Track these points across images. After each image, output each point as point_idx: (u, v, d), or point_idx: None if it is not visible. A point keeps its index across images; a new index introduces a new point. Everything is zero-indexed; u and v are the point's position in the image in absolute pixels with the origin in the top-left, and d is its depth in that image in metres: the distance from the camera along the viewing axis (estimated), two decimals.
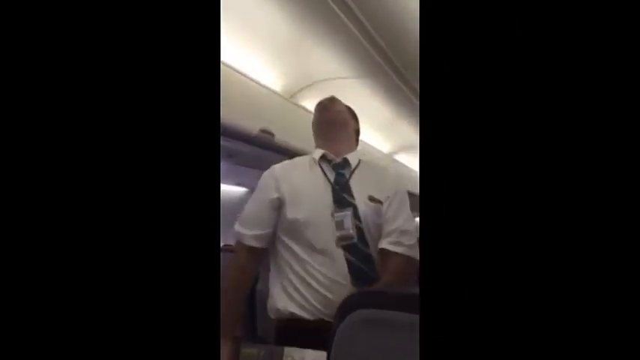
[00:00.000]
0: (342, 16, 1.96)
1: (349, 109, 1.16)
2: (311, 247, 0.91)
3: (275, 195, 0.98)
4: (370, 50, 2.41)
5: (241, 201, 2.94)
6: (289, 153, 2.16)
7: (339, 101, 1.14)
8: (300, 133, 2.45)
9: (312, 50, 2.40)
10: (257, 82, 2.33)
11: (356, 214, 0.92)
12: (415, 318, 0.52)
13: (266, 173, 1.04)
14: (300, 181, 0.99)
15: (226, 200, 2.70)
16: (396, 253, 0.92)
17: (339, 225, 0.90)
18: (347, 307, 0.55)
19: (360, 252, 0.91)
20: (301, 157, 1.09)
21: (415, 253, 0.93)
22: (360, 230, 0.92)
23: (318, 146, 1.11)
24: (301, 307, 0.91)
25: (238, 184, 2.90)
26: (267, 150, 2.09)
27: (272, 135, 2.03)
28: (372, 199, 0.97)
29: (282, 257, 0.96)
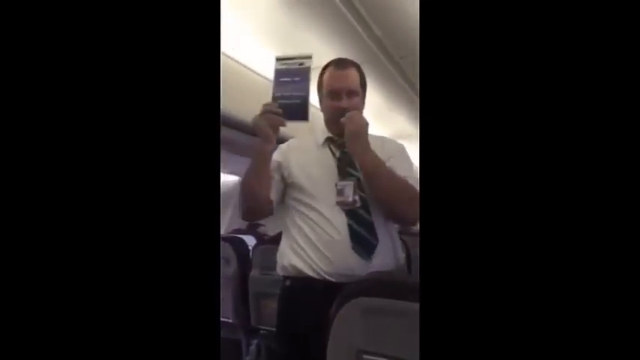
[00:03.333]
0: (338, 3, 1.93)
1: (360, 72, 1.09)
2: (316, 211, 0.99)
3: (280, 174, 1.04)
4: (365, 38, 2.39)
5: (235, 189, 2.93)
6: (280, 141, 2.14)
7: (354, 63, 1.08)
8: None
9: (307, 38, 2.36)
10: (252, 70, 2.29)
11: (359, 186, 0.98)
12: (413, 306, 0.52)
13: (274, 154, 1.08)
14: (307, 160, 1.05)
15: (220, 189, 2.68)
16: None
17: (340, 192, 0.98)
18: (345, 295, 0.56)
19: (361, 218, 0.97)
20: (307, 136, 1.11)
21: (415, 185, 0.98)
22: (363, 199, 0.98)
23: (323, 108, 1.09)
24: (305, 263, 0.97)
25: (232, 172, 2.88)
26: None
27: None
28: None
29: (291, 218, 1.04)
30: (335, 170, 1.02)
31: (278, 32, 2.30)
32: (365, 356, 0.53)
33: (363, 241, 0.95)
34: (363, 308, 0.54)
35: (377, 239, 0.96)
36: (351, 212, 0.96)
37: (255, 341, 1.67)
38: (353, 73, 1.04)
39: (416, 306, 0.51)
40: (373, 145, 0.99)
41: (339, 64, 1.05)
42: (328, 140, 1.07)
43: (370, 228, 0.97)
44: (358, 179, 0.99)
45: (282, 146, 1.10)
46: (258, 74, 2.33)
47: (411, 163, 1.07)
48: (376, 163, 0.95)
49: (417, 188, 0.96)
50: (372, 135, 1.04)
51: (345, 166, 1.02)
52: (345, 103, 1.01)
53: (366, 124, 0.98)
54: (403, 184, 0.95)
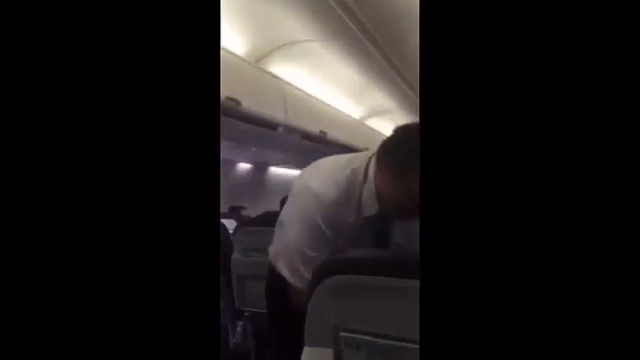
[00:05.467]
0: None
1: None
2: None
3: (325, 232, 0.89)
4: (338, 11, 2.33)
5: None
6: (256, 121, 2.09)
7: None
8: (267, 100, 2.38)
9: (277, 12, 2.29)
10: (221, 47, 2.21)
11: None
12: (390, 281, 0.52)
13: (314, 205, 0.90)
14: (346, 226, 0.89)
15: None
16: None
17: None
18: (320, 273, 0.55)
19: None
20: (347, 194, 0.89)
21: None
22: None
23: (383, 184, 0.81)
24: None
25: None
26: (233, 119, 2.02)
27: (239, 103, 1.95)
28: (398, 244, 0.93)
29: None
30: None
31: (245, 5, 2.21)
32: (341, 333, 0.52)
33: None
34: (336, 285, 0.53)
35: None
36: None
37: (240, 323, 1.68)
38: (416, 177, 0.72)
39: (388, 280, 0.51)
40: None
41: (401, 166, 0.76)
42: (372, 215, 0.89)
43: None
44: None
45: (318, 201, 0.88)
46: (230, 52, 2.25)
47: None
48: None
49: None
50: None
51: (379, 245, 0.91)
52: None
53: None
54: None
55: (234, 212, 2.89)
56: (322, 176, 0.91)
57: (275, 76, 2.55)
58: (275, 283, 0.97)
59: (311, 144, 2.88)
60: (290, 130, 2.43)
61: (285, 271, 0.93)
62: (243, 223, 1.97)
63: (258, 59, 2.60)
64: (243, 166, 3.96)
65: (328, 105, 3.16)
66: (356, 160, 0.92)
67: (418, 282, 0.42)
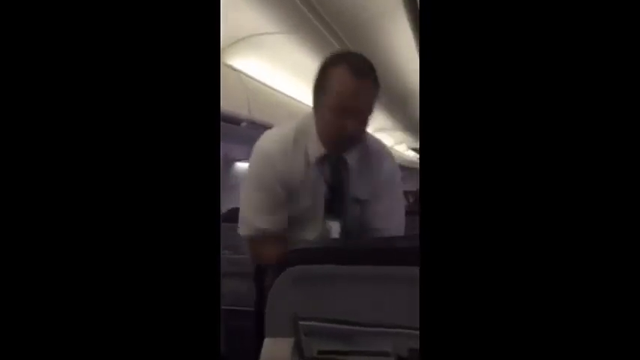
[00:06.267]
0: None
1: (377, 82, 0.86)
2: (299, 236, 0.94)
3: (278, 190, 0.91)
4: (297, 2, 2.31)
5: None
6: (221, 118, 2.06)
7: (371, 68, 0.85)
8: (228, 93, 2.34)
9: (237, 4, 2.24)
10: None
11: (345, 220, 0.94)
12: (345, 269, 0.53)
13: (262, 162, 0.92)
14: (296, 185, 0.91)
15: None
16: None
17: (327, 230, 0.92)
18: (276, 267, 0.55)
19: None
20: (295, 145, 0.91)
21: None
22: (344, 233, 0.94)
23: (323, 120, 0.87)
24: None
25: None
26: None
27: None
28: (359, 200, 0.96)
29: None
30: (322, 203, 0.93)
31: None
32: (301, 322, 0.53)
33: None
34: (294, 275, 0.54)
35: None
36: None
37: None
38: (371, 87, 0.84)
39: (342, 268, 0.52)
40: (369, 175, 0.92)
41: (357, 70, 0.81)
42: (321, 158, 0.91)
43: None
44: (345, 215, 0.94)
45: (266, 156, 0.91)
46: None
47: (397, 206, 0.98)
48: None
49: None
50: (373, 153, 0.95)
51: (335, 202, 0.93)
52: (352, 124, 0.83)
53: None
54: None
55: None
56: (269, 134, 0.96)
57: (236, 69, 2.51)
58: (262, 280, 0.97)
59: None
60: (253, 124, 2.40)
61: (242, 230, 0.95)
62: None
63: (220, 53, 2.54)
64: None
65: (292, 98, 3.15)
66: (301, 116, 0.97)
67: (371, 267, 0.44)
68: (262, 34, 2.46)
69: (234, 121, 2.28)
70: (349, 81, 0.81)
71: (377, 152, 0.98)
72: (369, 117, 0.88)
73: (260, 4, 2.24)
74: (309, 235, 0.94)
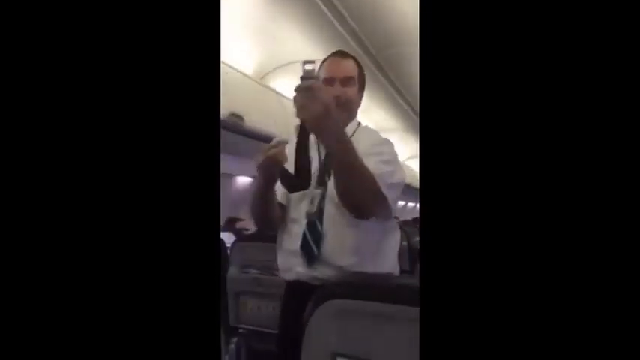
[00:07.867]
0: None
1: (360, 65, 1.03)
2: (288, 214, 0.97)
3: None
4: (343, 33, 2.38)
5: None
6: (258, 137, 2.11)
7: (353, 57, 1.02)
8: (270, 116, 2.41)
9: (283, 31, 2.33)
10: (226, 64, 2.25)
11: (324, 195, 0.94)
12: (386, 307, 0.52)
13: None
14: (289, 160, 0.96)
15: None
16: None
17: (309, 202, 0.94)
18: (318, 298, 0.55)
19: (315, 230, 0.93)
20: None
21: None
22: (321, 211, 0.94)
23: None
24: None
25: None
26: (236, 134, 2.04)
27: (241, 119, 1.98)
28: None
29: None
30: (316, 175, 0.95)
31: (255, 26, 2.25)
32: (339, 358, 0.52)
33: (309, 253, 0.91)
34: (335, 310, 0.53)
35: (321, 255, 0.91)
36: (309, 223, 0.92)
37: (234, 339, 1.66)
38: (350, 63, 1.01)
39: (388, 307, 0.51)
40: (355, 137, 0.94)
41: (337, 53, 1.03)
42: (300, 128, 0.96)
43: (318, 240, 0.92)
44: (326, 187, 0.93)
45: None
46: (235, 69, 2.29)
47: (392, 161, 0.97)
48: (348, 159, 0.81)
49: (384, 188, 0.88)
50: (367, 136, 1.00)
51: (324, 173, 0.95)
52: (338, 90, 0.95)
53: (329, 104, 0.78)
54: (371, 182, 0.85)
55: (231, 224, 2.89)
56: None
57: (278, 93, 2.59)
58: (291, 303, 0.96)
59: None
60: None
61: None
62: (242, 237, 1.97)
63: (263, 76, 2.64)
64: (243, 180, 3.97)
65: None
66: None
67: (414, 309, 0.42)
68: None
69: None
70: (332, 59, 1.00)
71: (369, 131, 1.05)
72: (355, 89, 1.00)
73: (306, 32, 2.32)
74: (293, 210, 0.96)
